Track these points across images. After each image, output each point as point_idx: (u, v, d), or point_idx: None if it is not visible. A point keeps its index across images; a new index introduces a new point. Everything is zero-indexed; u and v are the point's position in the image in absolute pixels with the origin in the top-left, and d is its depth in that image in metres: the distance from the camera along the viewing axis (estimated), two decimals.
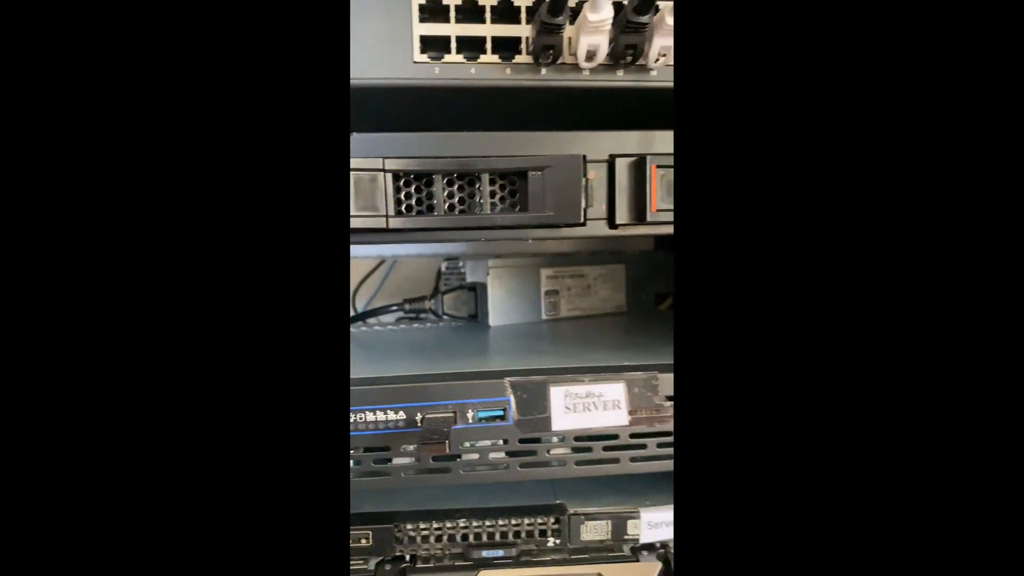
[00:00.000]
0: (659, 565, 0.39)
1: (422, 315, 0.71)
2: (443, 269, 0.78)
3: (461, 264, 0.73)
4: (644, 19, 0.33)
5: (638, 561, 0.39)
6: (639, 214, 0.36)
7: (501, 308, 0.68)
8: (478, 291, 0.69)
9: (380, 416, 0.37)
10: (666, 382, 0.39)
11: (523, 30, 0.36)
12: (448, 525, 0.40)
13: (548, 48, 0.35)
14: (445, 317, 0.70)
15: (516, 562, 0.39)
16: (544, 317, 0.71)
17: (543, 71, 0.37)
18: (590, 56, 0.35)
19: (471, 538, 0.39)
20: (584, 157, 0.36)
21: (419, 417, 0.37)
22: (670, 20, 0.34)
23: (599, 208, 0.37)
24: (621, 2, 0.34)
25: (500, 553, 0.38)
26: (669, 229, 0.37)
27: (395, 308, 0.70)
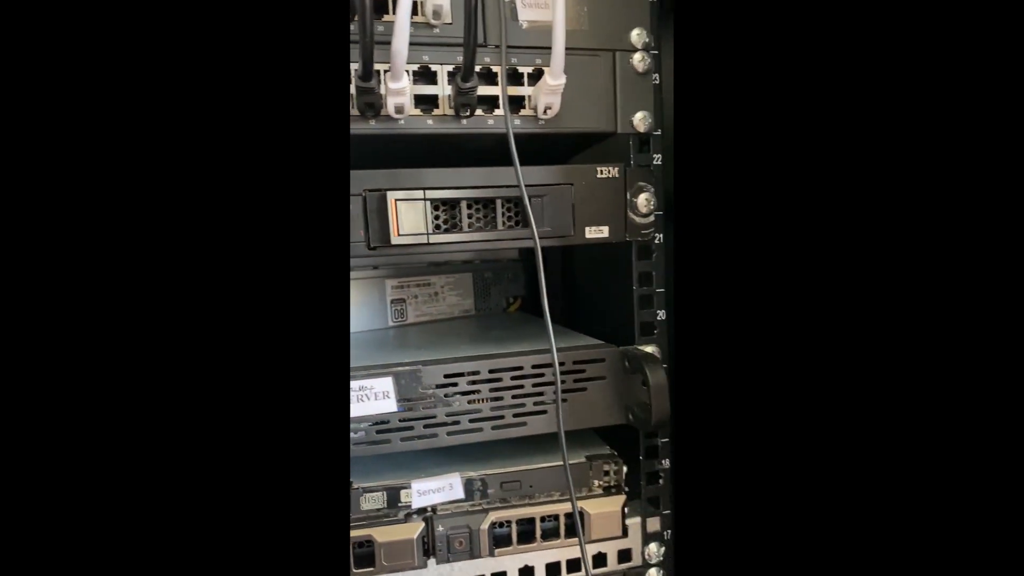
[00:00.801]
0: (421, 524, 0.48)
1: None
2: None
3: None
4: (369, 84, 0.42)
5: (406, 523, 0.48)
6: (386, 238, 0.45)
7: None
8: None
9: None
10: (429, 373, 0.48)
11: None
12: None
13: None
14: None
15: None
16: (391, 323, 0.79)
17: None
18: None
19: None
20: None
21: None
22: (392, 84, 0.42)
23: (358, 233, 0.45)
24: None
25: None
26: (415, 250, 0.46)
27: None
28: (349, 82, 0.42)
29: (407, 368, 0.47)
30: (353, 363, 0.50)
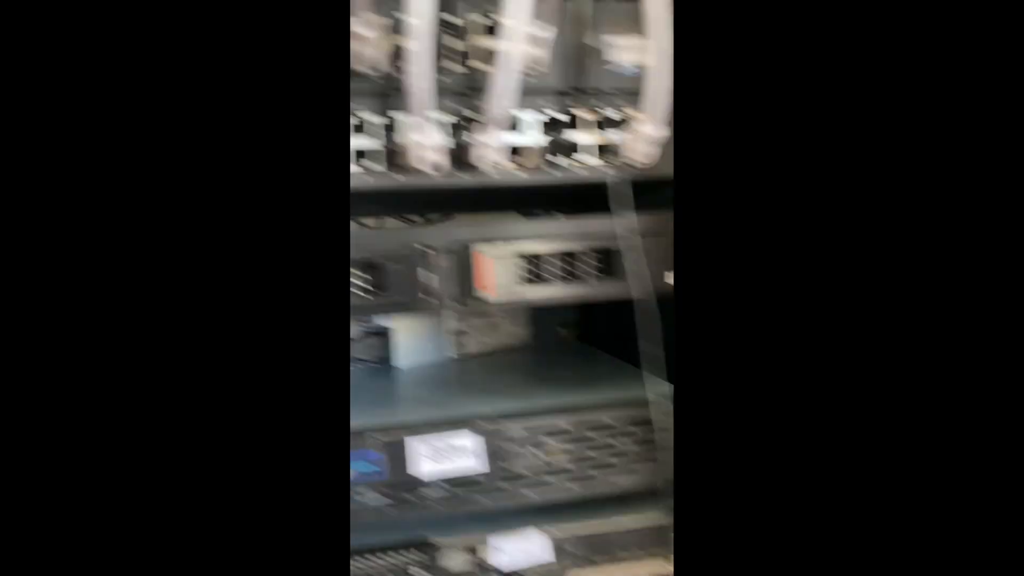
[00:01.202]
0: None
1: None
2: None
3: None
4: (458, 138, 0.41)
5: None
6: (471, 291, 0.44)
7: (410, 350, 0.74)
8: (387, 335, 0.75)
9: None
10: (511, 428, 0.46)
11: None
12: None
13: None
14: (356, 362, 0.76)
15: None
16: (453, 355, 0.78)
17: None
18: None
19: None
20: (429, 247, 0.44)
21: None
22: (486, 137, 0.41)
23: (446, 287, 0.44)
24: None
25: None
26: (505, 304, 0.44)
27: None
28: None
29: (492, 426, 0.46)
30: (434, 411, 0.49)
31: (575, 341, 0.87)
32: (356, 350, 0.75)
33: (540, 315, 0.87)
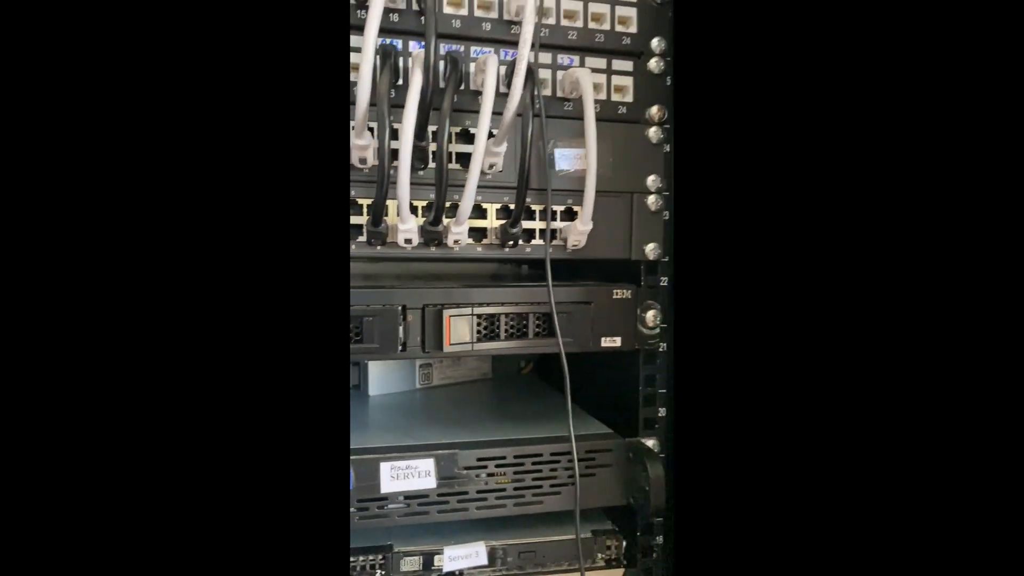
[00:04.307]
0: None
1: None
2: None
3: None
4: (437, 229, 0.51)
5: None
6: (439, 344, 0.54)
7: (380, 379, 0.84)
8: (360, 365, 0.85)
9: None
10: (464, 457, 0.56)
11: None
12: None
13: None
14: None
15: None
16: (418, 386, 0.88)
17: None
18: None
19: None
20: (404, 306, 0.54)
21: None
22: (455, 227, 0.52)
23: (416, 339, 0.55)
24: None
25: None
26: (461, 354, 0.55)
27: None
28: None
29: (446, 452, 0.56)
30: (392, 437, 0.59)
31: (534, 376, 0.97)
32: None
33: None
